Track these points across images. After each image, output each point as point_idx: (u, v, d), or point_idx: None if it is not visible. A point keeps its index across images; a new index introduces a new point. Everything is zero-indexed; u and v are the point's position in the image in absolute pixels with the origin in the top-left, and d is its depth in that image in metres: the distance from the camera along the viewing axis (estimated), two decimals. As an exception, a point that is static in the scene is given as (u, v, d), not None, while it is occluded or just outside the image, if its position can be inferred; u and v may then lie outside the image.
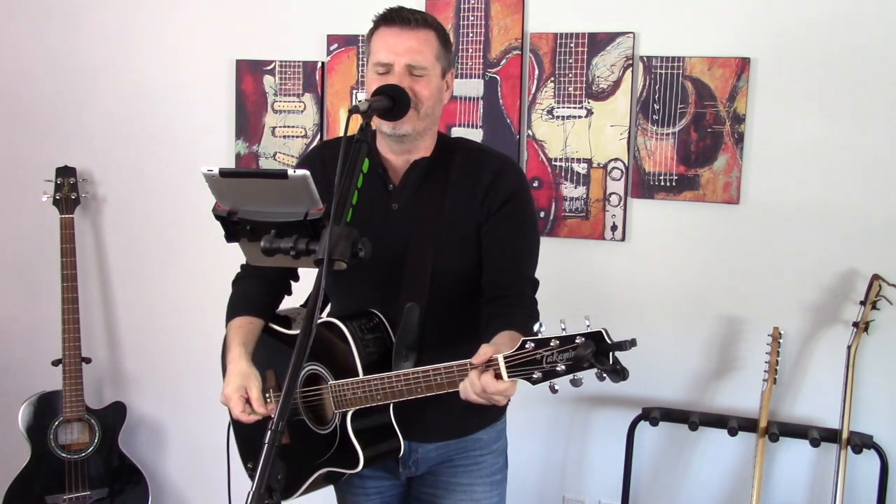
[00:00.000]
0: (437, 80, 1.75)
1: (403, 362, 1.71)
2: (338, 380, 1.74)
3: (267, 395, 1.86)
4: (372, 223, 1.76)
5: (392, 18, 1.73)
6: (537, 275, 1.85)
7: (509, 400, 1.98)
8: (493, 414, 1.95)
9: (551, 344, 1.44)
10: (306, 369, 1.80)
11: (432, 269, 1.77)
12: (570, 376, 1.44)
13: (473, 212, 1.79)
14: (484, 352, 1.52)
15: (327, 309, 1.99)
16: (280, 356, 1.86)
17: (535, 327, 1.49)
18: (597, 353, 1.41)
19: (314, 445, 1.81)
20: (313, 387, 1.82)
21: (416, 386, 1.63)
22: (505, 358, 1.49)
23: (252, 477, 1.24)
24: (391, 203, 1.81)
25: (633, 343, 1.39)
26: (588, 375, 1.45)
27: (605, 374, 1.43)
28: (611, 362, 1.41)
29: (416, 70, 1.71)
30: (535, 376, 1.46)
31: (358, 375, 1.71)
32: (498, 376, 1.50)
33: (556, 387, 1.47)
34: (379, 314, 1.79)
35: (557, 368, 1.44)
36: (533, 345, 1.46)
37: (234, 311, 1.89)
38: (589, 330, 1.43)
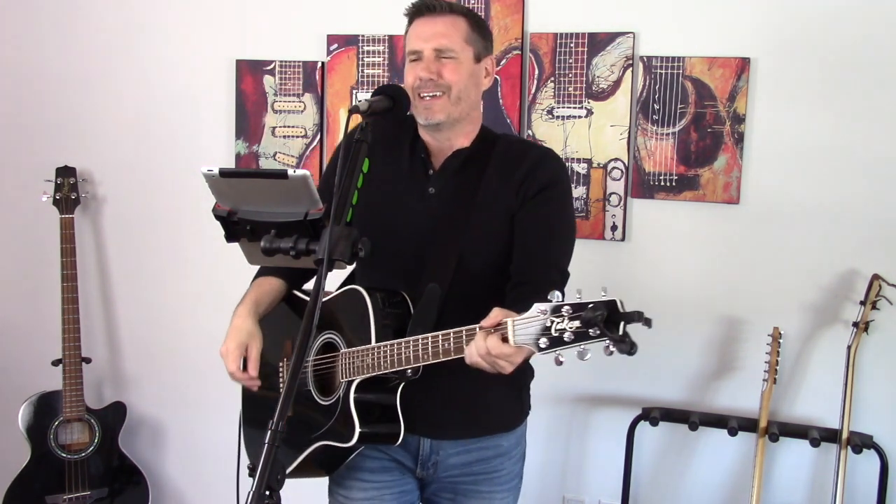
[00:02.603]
0: (468, 64, 1.78)
1: None
2: (350, 348, 1.73)
3: (281, 363, 1.89)
4: (408, 205, 1.82)
5: (420, 9, 1.80)
6: None
7: (525, 405, 1.97)
8: (513, 417, 1.93)
9: (563, 311, 1.39)
10: (322, 337, 1.81)
11: (459, 253, 1.77)
12: (578, 346, 1.38)
13: (507, 199, 1.79)
14: (494, 314, 1.49)
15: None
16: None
17: (552, 296, 1.42)
18: (607, 321, 1.35)
19: (314, 417, 1.79)
20: (327, 355, 1.81)
21: (423, 352, 1.60)
22: (514, 322, 1.45)
23: (253, 476, 1.23)
24: (428, 187, 1.83)
25: (641, 315, 1.33)
26: (596, 352, 1.37)
27: (612, 347, 1.35)
28: (620, 333, 1.35)
29: (444, 53, 1.75)
30: (541, 343, 1.41)
31: (370, 344, 1.69)
32: (505, 340, 1.46)
33: (562, 359, 1.40)
34: (404, 294, 1.77)
35: (565, 337, 1.38)
36: (546, 311, 1.41)
37: (261, 270, 1.91)
38: (603, 298, 1.37)
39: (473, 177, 1.81)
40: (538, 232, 1.78)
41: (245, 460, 1.95)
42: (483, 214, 1.79)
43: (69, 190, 3.15)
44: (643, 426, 2.71)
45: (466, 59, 1.78)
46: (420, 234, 1.79)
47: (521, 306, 1.60)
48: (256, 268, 1.90)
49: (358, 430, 1.68)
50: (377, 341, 1.68)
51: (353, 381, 1.71)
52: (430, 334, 1.60)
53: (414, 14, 1.81)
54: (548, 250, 1.79)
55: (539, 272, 1.75)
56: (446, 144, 1.83)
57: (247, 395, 1.98)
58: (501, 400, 1.86)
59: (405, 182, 1.84)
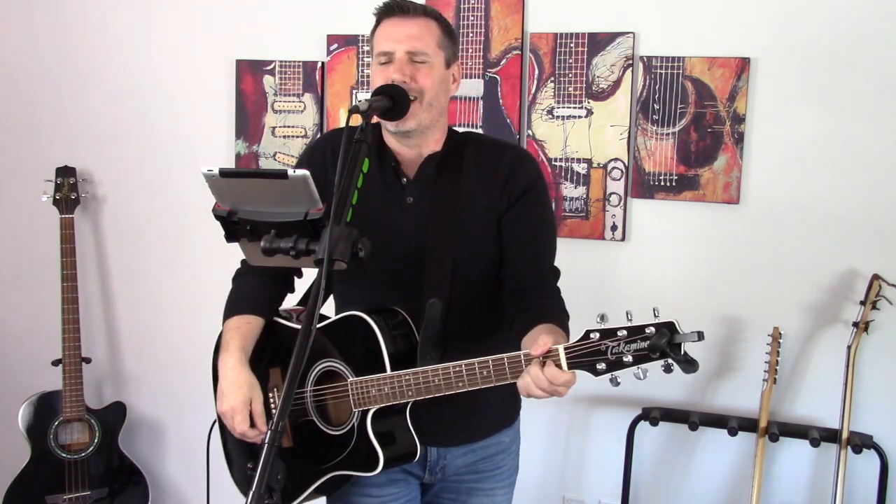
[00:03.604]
0: (440, 69, 1.74)
1: (429, 359, 1.66)
2: (360, 376, 1.69)
3: (271, 394, 1.83)
4: (387, 217, 1.77)
5: (391, 9, 1.74)
6: None
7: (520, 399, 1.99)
8: (511, 413, 1.94)
9: (618, 334, 1.40)
10: (321, 366, 1.76)
11: (453, 263, 1.74)
12: (636, 368, 1.40)
13: (492, 203, 1.77)
14: (543, 342, 1.47)
15: (330, 301, 1.94)
16: (287, 353, 1.80)
17: (598, 318, 1.45)
18: (669, 343, 1.37)
19: (324, 447, 1.76)
20: (327, 384, 1.76)
21: (456, 380, 1.57)
22: (566, 349, 1.45)
23: (252, 477, 1.23)
24: (406, 197, 1.78)
25: (702, 335, 1.36)
26: (653, 368, 1.41)
27: (673, 366, 1.39)
28: (682, 353, 1.38)
29: (418, 57, 1.70)
30: (599, 367, 1.42)
31: (385, 371, 1.65)
32: (559, 367, 1.46)
33: (619, 380, 1.42)
34: (402, 311, 1.74)
35: (624, 359, 1.40)
36: (598, 335, 1.42)
37: (233, 308, 1.83)
38: (659, 320, 1.39)
39: (451, 182, 1.77)
40: (527, 237, 1.78)
41: (223, 468, 1.96)
42: (471, 220, 1.76)
43: (69, 190, 3.14)
44: (643, 426, 2.71)
45: (439, 63, 1.74)
46: (409, 247, 1.75)
47: (530, 313, 1.64)
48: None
49: (382, 458, 1.67)
50: (391, 368, 1.65)
51: (368, 410, 1.68)
52: (463, 362, 1.56)
53: (384, 14, 1.75)
54: (539, 253, 1.79)
55: (536, 277, 1.76)
56: (416, 151, 1.79)
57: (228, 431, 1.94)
58: (500, 400, 1.86)
59: (380, 193, 1.77)
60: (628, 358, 1.40)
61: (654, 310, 1.41)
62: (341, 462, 1.73)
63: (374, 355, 1.67)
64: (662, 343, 1.37)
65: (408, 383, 1.62)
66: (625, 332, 1.40)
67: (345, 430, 1.73)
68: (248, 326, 1.81)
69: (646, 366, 1.40)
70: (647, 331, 1.38)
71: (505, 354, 1.52)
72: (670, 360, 1.38)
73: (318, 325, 1.74)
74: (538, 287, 1.74)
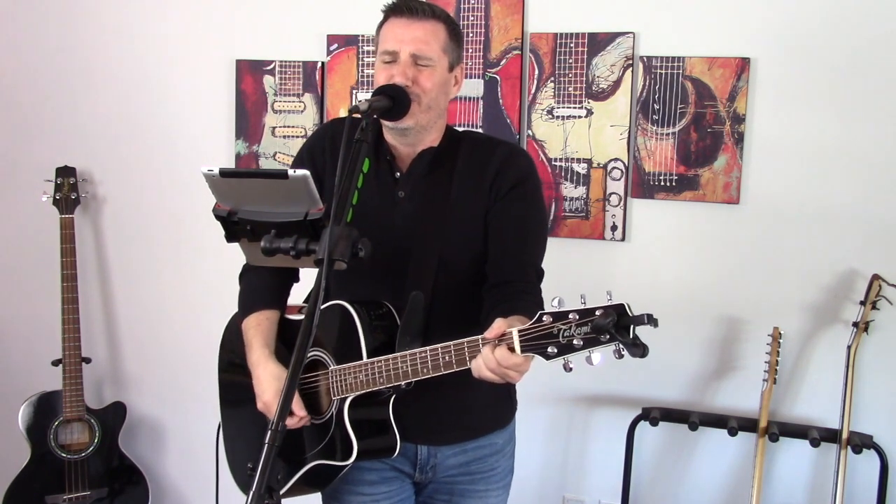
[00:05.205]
0: (442, 72, 1.74)
1: (407, 349, 1.65)
2: (340, 365, 1.70)
3: None
4: (378, 210, 1.77)
5: (400, 9, 1.74)
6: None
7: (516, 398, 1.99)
8: (505, 415, 1.93)
9: (569, 317, 1.38)
10: (308, 356, 1.75)
11: (438, 257, 1.75)
12: (587, 352, 1.37)
13: (481, 198, 1.77)
14: (497, 325, 1.47)
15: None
16: (289, 346, 1.81)
17: (554, 301, 1.42)
18: (617, 325, 1.34)
19: (307, 437, 1.77)
20: (312, 374, 1.78)
21: (421, 366, 1.57)
22: (519, 332, 1.43)
23: (252, 478, 1.23)
24: (398, 191, 1.79)
25: (651, 318, 1.32)
26: (605, 355, 1.37)
27: (623, 351, 1.35)
28: (631, 336, 1.34)
29: (422, 60, 1.71)
30: (549, 351, 1.40)
31: (362, 359, 1.66)
32: (512, 350, 1.44)
33: (571, 365, 1.40)
34: (388, 304, 1.75)
35: (574, 343, 1.37)
36: (550, 318, 1.40)
37: (249, 306, 1.86)
38: (611, 303, 1.36)
39: (443, 178, 1.78)
40: (512, 231, 1.77)
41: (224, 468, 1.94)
42: (458, 216, 1.77)
43: (69, 190, 3.15)
44: (643, 426, 2.71)
45: (442, 67, 1.74)
46: (397, 241, 1.76)
47: (503, 307, 1.61)
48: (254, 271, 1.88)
49: (356, 447, 1.67)
50: (368, 356, 1.66)
51: (346, 398, 1.69)
52: (428, 347, 1.57)
53: (393, 11, 1.75)
54: (523, 249, 1.78)
55: (516, 272, 1.74)
56: (411, 147, 1.80)
57: (227, 423, 1.97)
58: (492, 399, 1.86)
59: (372, 187, 1.78)
60: (578, 342, 1.37)
61: (607, 293, 1.38)
62: (321, 451, 1.74)
63: (354, 345, 1.68)
64: (607, 324, 1.33)
65: (379, 370, 1.63)
66: (576, 315, 1.38)
67: (324, 418, 1.74)
68: (267, 322, 1.84)
69: (597, 351, 1.37)
70: (597, 313, 1.36)
71: (465, 339, 1.52)
72: (620, 345, 1.35)
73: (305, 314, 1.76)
74: (517, 282, 1.72)
